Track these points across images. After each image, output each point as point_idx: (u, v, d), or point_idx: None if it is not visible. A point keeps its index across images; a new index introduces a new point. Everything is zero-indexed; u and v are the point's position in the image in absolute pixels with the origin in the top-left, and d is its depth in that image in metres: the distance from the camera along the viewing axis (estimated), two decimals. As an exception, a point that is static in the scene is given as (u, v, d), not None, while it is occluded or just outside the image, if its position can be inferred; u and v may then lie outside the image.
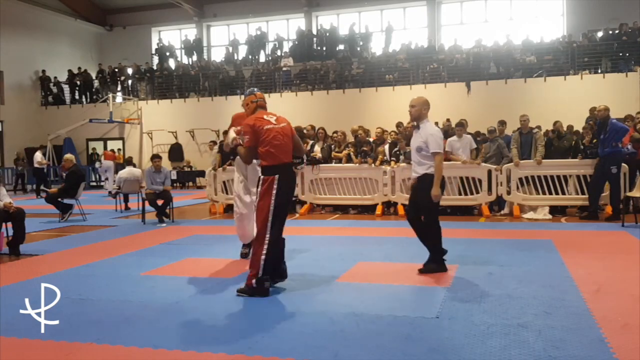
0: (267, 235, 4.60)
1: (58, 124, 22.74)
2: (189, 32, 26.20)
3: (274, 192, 4.60)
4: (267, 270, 4.62)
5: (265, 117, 4.88)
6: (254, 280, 4.63)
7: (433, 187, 5.22)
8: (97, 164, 19.68)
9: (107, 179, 18.13)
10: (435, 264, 5.42)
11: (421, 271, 5.40)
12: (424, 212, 5.44)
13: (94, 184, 21.80)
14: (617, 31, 18.45)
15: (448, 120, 12.58)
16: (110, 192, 17.32)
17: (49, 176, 19.53)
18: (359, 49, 22.72)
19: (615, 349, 3.32)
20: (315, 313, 4.21)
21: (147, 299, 4.78)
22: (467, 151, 10.09)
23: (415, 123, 5.66)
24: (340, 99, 20.14)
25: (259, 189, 4.72)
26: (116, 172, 15.84)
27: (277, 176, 4.63)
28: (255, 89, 5.34)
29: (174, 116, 22.43)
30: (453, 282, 5.07)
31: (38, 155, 17.50)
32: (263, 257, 4.59)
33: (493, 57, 19.46)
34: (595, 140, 9.48)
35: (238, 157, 5.70)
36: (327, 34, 23.19)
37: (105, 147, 22.20)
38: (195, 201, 14.62)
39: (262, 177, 4.72)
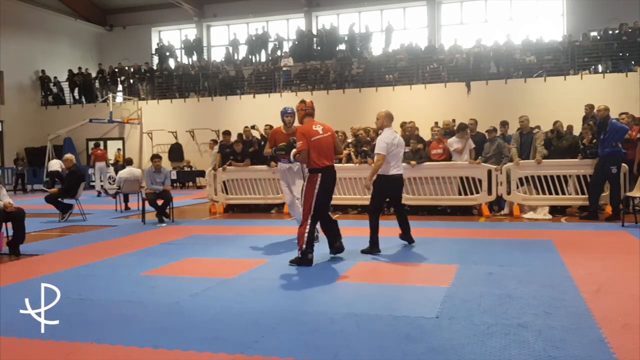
0: (310, 218, 5.82)
1: (58, 124, 22.75)
2: (189, 32, 26.21)
3: (317, 186, 5.86)
4: (309, 245, 5.84)
5: (314, 127, 6.02)
6: (300, 252, 5.84)
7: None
8: (90, 170, 19.54)
9: (100, 179, 18.00)
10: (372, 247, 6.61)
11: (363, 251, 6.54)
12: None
13: (94, 184, 21.77)
14: (617, 31, 18.45)
15: (453, 120, 12.56)
16: (100, 193, 17.32)
17: (48, 176, 19.48)
18: (359, 49, 22.72)
19: (615, 349, 3.31)
20: (315, 313, 4.21)
21: (147, 299, 4.78)
22: (467, 151, 10.09)
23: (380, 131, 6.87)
24: (340, 99, 20.15)
25: (305, 183, 5.99)
26: (116, 172, 15.80)
27: (320, 174, 5.88)
28: (304, 100, 6.39)
29: (174, 116, 22.44)
30: (453, 282, 5.07)
31: (57, 163, 17.21)
32: (306, 234, 5.79)
33: (493, 57, 19.46)
34: (595, 140, 9.48)
35: (281, 166, 7.61)
36: (327, 34, 23.20)
37: (104, 147, 22.00)
38: (195, 201, 14.62)
39: (309, 174, 5.98)
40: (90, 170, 19.42)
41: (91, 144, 23.22)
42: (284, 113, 7.38)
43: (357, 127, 11.75)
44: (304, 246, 5.81)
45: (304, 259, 5.84)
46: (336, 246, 6.22)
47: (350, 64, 21.46)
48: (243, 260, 6.38)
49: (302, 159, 6.03)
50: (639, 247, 6.58)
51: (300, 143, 5.92)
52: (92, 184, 19.90)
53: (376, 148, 6.67)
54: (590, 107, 11.41)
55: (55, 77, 24.33)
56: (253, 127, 12.31)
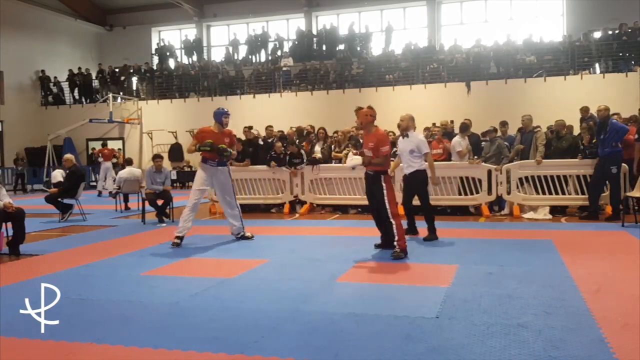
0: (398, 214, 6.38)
1: (58, 124, 22.74)
2: (189, 32, 26.20)
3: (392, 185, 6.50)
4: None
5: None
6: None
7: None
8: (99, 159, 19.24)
9: (104, 179, 17.95)
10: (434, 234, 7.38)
11: (425, 239, 7.34)
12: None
13: (94, 184, 21.78)
14: (617, 31, 18.45)
15: (452, 121, 12.56)
16: (100, 192, 17.27)
17: (48, 176, 19.49)
18: (359, 49, 22.72)
19: (615, 349, 3.31)
20: (315, 313, 4.21)
21: (147, 299, 4.78)
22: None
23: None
24: (340, 99, 20.13)
25: (386, 187, 6.35)
26: (116, 172, 15.79)
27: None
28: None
29: (174, 116, 22.44)
30: (453, 282, 5.07)
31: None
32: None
33: (493, 57, 19.46)
34: (594, 140, 9.48)
35: (206, 167, 7.66)
36: (327, 34, 23.20)
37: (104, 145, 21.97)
38: (195, 201, 14.57)
39: (384, 176, 6.37)
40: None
41: (91, 144, 23.32)
42: (224, 114, 7.69)
43: (346, 129, 11.63)
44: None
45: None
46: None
47: (350, 64, 21.46)
48: (243, 260, 6.38)
49: (381, 162, 6.39)
50: (639, 247, 6.58)
51: (386, 148, 6.37)
52: (92, 184, 19.92)
53: (424, 148, 7.32)
54: (585, 110, 11.40)
55: (55, 77, 24.33)
56: (250, 128, 12.31)
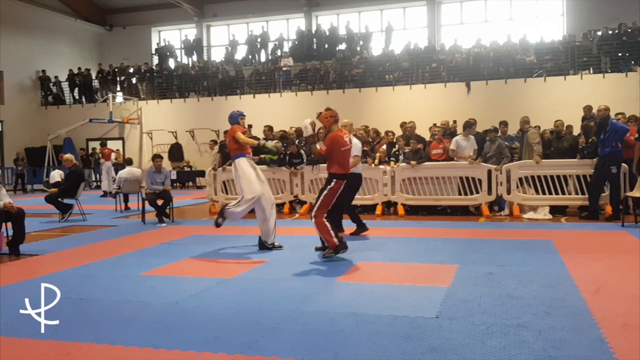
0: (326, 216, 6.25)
1: (58, 124, 22.74)
2: (189, 32, 26.20)
3: (339, 191, 6.32)
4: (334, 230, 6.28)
5: (344, 137, 6.35)
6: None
7: None
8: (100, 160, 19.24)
9: (102, 180, 17.94)
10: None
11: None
12: None
13: (95, 184, 21.79)
14: (617, 31, 18.45)
15: (455, 121, 12.57)
16: (105, 192, 17.26)
17: (48, 176, 19.47)
18: (358, 48, 22.72)
19: (615, 349, 3.31)
20: (315, 313, 4.21)
21: (147, 299, 4.78)
22: (471, 151, 10.08)
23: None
24: (340, 99, 20.12)
25: (330, 186, 6.24)
26: (116, 172, 15.77)
27: (344, 181, 6.32)
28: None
29: (174, 116, 22.44)
30: (453, 282, 5.07)
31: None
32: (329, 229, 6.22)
33: (493, 57, 19.46)
34: (591, 141, 9.48)
35: None
36: (327, 34, 23.20)
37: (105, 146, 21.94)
38: (195, 201, 14.62)
39: (334, 180, 6.25)
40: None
41: (91, 144, 23.32)
42: (240, 115, 7.24)
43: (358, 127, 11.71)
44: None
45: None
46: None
47: (350, 64, 21.46)
48: (243, 260, 6.39)
49: (320, 158, 6.56)
50: (639, 247, 6.58)
51: (324, 147, 6.31)
52: (96, 183, 19.90)
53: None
54: (588, 109, 11.42)
55: (56, 77, 24.32)
56: (250, 127, 12.30)
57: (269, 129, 11.91)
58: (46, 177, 18.92)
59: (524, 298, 4.46)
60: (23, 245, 7.14)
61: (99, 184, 19.65)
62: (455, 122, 12.55)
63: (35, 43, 23.72)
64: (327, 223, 6.22)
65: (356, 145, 7.60)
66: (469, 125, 10.31)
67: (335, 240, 6.23)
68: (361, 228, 8.04)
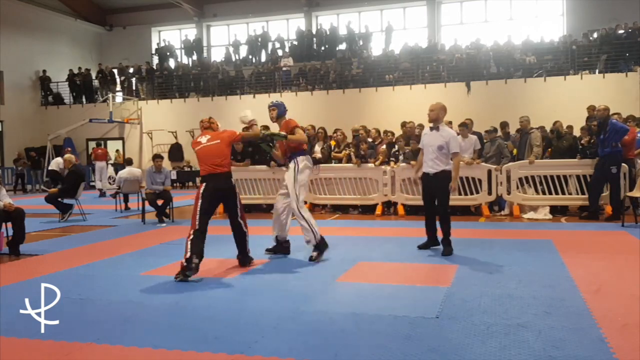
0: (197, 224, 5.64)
1: (58, 124, 22.75)
2: (189, 32, 26.20)
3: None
4: (193, 251, 5.44)
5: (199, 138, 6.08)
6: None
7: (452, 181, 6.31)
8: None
9: (100, 180, 17.99)
10: (450, 247, 6.37)
11: (443, 254, 6.29)
12: (441, 203, 6.42)
13: (94, 184, 21.78)
14: (617, 31, 18.44)
15: (450, 122, 12.54)
16: (101, 192, 17.28)
17: (47, 176, 19.48)
18: (358, 48, 22.72)
19: (615, 349, 3.31)
20: (315, 313, 4.21)
21: (147, 299, 4.78)
22: (471, 151, 10.07)
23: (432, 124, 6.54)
24: (340, 99, 20.15)
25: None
26: (116, 172, 15.78)
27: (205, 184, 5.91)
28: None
29: (174, 116, 22.44)
30: (453, 282, 5.06)
31: (55, 163, 16.54)
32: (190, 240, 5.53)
33: (493, 57, 19.46)
34: (593, 141, 9.48)
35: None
36: (327, 34, 23.20)
37: (104, 147, 21.99)
38: (195, 201, 14.57)
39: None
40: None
41: (91, 144, 23.32)
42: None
43: (358, 127, 11.72)
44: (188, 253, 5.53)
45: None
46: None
47: (350, 64, 21.45)
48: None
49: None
50: (639, 247, 6.58)
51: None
52: (92, 183, 19.92)
53: (454, 148, 6.30)
54: (592, 109, 11.41)
55: (55, 77, 24.32)
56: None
57: (264, 128, 11.88)
58: (46, 177, 18.90)
59: (524, 298, 4.46)
60: (23, 245, 7.13)
61: (92, 183, 19.70)
62: (450, 123, 12.48)
63: (35, 43, 23.72)
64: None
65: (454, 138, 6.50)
66: (464, 126, 10.30)
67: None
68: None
